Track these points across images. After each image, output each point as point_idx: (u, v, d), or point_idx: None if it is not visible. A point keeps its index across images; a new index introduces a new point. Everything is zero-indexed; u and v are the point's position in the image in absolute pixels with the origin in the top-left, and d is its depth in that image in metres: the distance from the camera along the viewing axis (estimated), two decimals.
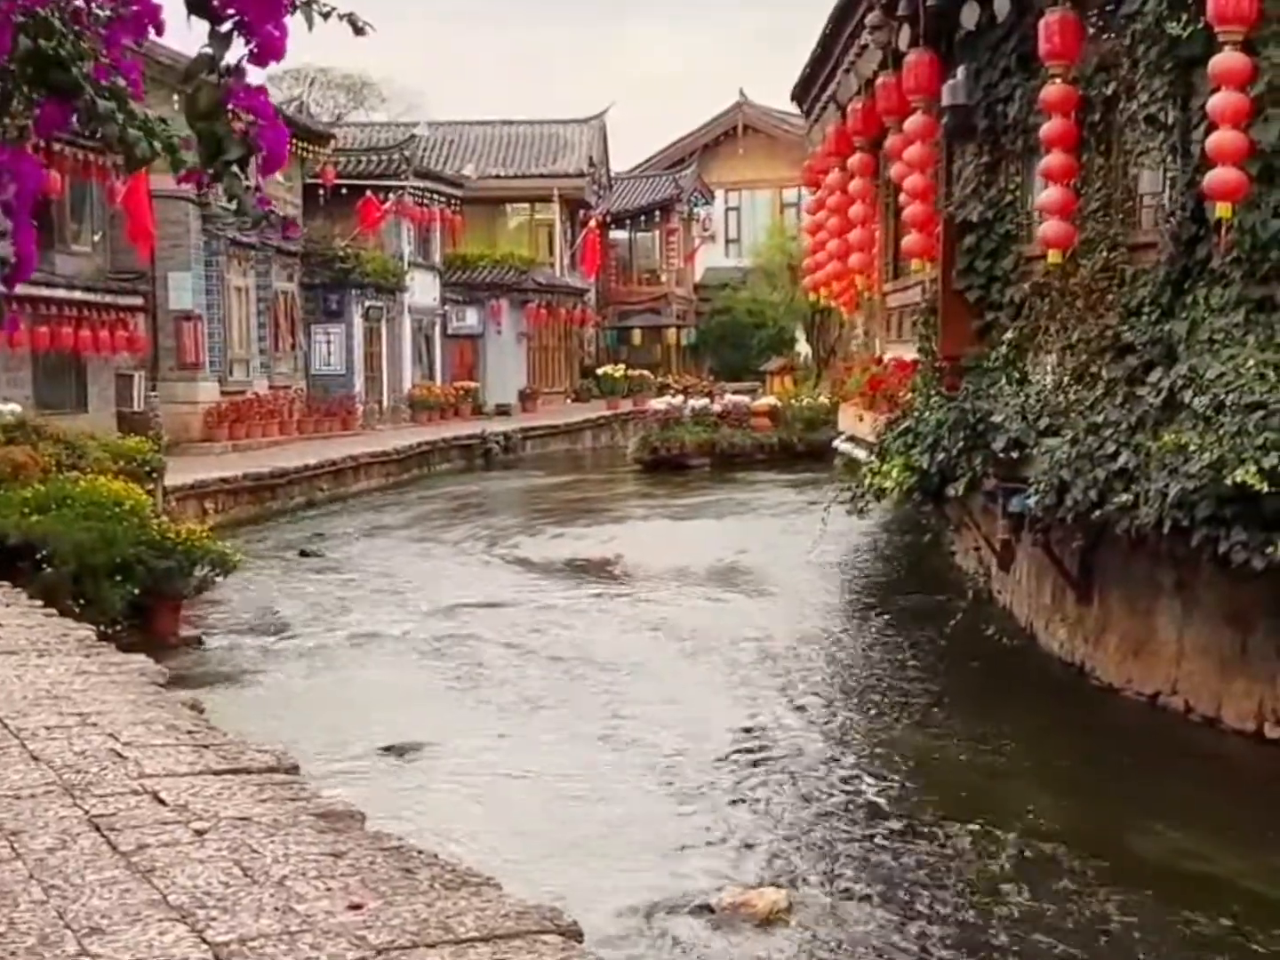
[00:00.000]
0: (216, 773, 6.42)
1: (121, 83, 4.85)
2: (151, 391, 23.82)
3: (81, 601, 13.50)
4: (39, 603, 11.26)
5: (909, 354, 16.67)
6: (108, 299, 27.68)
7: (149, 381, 29.56)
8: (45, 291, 25.35)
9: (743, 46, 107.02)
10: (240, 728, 11.70)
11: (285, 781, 6.34)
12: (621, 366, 53.64)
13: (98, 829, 5.58)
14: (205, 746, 6.85)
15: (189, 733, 7.11)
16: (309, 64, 64.80)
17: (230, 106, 4.26)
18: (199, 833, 5.55)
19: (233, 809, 5.86)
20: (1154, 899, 8.22)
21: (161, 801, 5.95)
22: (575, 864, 8.69)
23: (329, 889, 4.98)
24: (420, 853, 5.42)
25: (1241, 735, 10.73)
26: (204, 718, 7.63)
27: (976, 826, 9.30)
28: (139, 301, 29.02)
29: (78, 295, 26.41)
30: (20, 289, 21.21)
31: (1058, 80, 12.17)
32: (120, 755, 6.63)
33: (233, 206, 4.52)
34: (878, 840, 9.12)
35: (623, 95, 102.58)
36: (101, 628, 13.46)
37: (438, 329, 46.21)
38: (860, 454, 17.63)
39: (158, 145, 4.50)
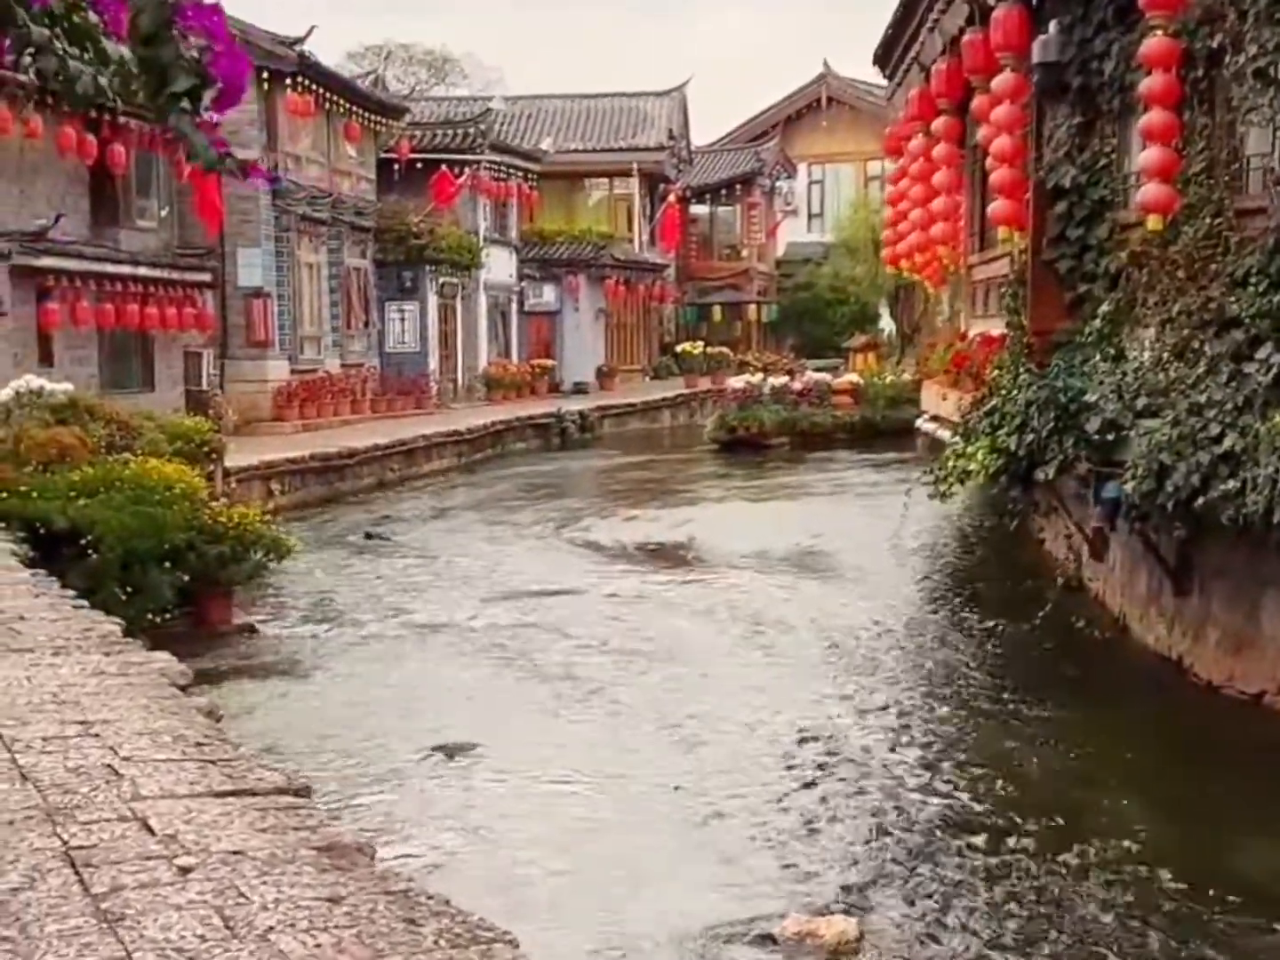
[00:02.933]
0: (218, 794, 5.78)
1: (93, 18, 4.19)
2: (213, 370, 23.28)
3: (129, 589, 13.00)
4: (71, 593, 10.71)
5: (996, 329, 15.84)
6: (175, 275, 27.20)
7: (218, 360, 29.15)
8: (110, 268, 24.93)
9: (823, 16, 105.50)
10: (286, 722, 11.21)
11: (291, 806, 5.68)
12: (700, 344, 52.75)
13: (73, 864, 4.95)
14: (211, 762, 6.21)
15: (197, 745, 6.47)
16: (390, 40, 64.71)
17: (179, 29, 3.59)
18: (183, 870, 4.90)
19: (226, 840, 5.21)
20: (1264, 926, 7.46)
21: (150, 830, 5.32)
22: (628, 883, 8.02)
23: (318, 945, 4.31)
24: (430, 899, 4.74)
25: None
26: (218, 727, 6.99)
27: (1067, 843, 8.56)
28: (207, 278, 28.54)
29: (143, 272, 25.94)
30: (84, 265, 20.72)
31: (1159, 33, 11.30)
32: (117, 773, 6.01)
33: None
34: (958, 859, 8.37)
35: (702, 68, 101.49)
36: (150, 616, 13.03)
37: (514, 306, 45.60)
38: (944, 434, 16.83)
39: (104, 82, 3.83)
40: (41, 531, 13.31)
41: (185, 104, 3.59)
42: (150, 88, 3.60)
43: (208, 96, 3.62)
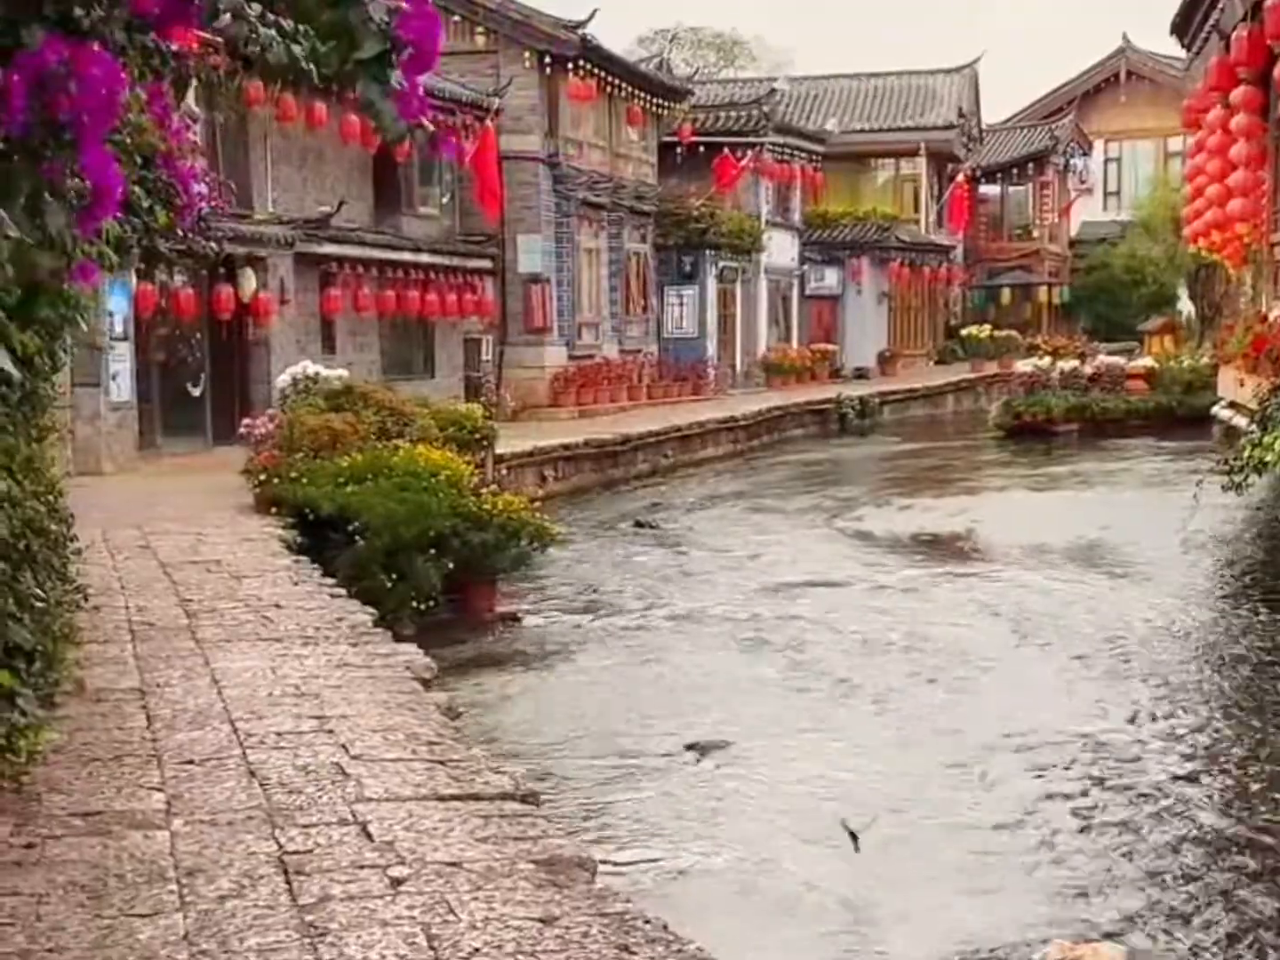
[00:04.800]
0: (442, 798, 5.59)
1: None
2: (486, 356, 23.24)
3: (394, 576, 13.01)
4: (330, 581, 10.76)
5: None
6: (455, 262, 27.54)
7: (497, 346, 29.40)
8: (392, 255, 25.36)
9: None
10: (541, 713, 11.06)
11: (515, 814, 5.45)
12: (987, 327, 51.34)
13: (285, 871, 4.80)
14: (440, 763, 6.03)
15: (429, 744, 6.31)
16: (679, 23, 64.72)
17: None
18: (395, 882, 4.70)
19: (444, 850, 5.00)
20: None
21: (368, 835, 5.14)
22: (881, 900, 7.57)
23: None
24: (647, 923, 4.44)
25: None
26: (454, 725, 6.81)
27: None
28: (487, 264, 28.85)
29: (425, 259, 26.31)
30: (366, 252, 20.50)
31: None
32: (344, 772, 5.87)
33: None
34: (1241, 885, 7.68)
35: (996, 43, 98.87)
36: (415, 604, 13.04)
37: (795, 290, 45.07)
38: (1240, 422, 15.83)
39: (297, 51, 3.59)
40: (310, 517, 13.46)
41: (375, 71, 3.31)
42: (338, 54, 3.34)
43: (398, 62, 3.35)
